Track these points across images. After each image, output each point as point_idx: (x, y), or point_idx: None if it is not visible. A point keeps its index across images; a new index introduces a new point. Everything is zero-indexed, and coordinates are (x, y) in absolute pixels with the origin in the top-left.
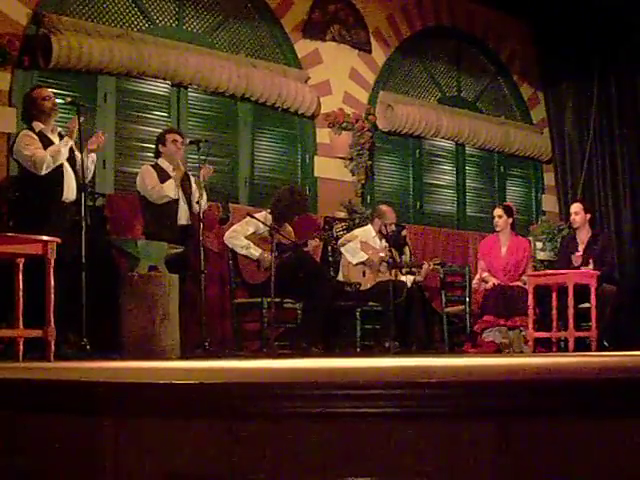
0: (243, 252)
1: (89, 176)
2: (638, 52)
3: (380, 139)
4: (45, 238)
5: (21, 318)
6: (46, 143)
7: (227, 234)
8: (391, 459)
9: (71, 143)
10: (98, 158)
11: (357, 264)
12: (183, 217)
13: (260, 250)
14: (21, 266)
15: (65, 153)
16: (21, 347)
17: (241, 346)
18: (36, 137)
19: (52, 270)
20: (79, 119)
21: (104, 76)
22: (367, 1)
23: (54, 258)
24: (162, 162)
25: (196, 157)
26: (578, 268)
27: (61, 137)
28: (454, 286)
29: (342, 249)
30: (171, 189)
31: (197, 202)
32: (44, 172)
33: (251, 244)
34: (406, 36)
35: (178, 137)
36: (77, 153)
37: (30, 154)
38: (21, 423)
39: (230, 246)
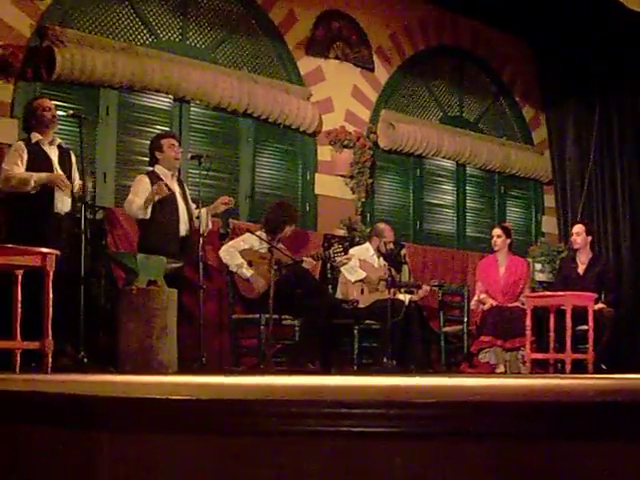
0: (235, 270)
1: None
2: (639, 73)
3: (381, 157)
4: (44, 250)
5: (19, 330)
6: (39, 156)
7: (222, 249)
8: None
9: (43, 182)
10: (99, 172)
11: (355, 282)
12: (183, 229)
13: (252, 271)
14: (20, 278)
15: (33, 187)
16: (18, 359)
17: (238, 362)
18: (25, 151)
19: (50, 282)
20: (85, 181)
21: (107, 89)
22: (370, 20)
23: (53, 270)
24: (159, 169)
25: (197, 172)
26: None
27: (60, 148)
28: (452, 306)
29: (342, 268)
30: (139, 208)
31: (197, 217)
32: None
33: (244, 264)
34: (409, 55)
35: (175, 141)
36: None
37: (6, 168)
38: (16, 435)
39: (224, 261)
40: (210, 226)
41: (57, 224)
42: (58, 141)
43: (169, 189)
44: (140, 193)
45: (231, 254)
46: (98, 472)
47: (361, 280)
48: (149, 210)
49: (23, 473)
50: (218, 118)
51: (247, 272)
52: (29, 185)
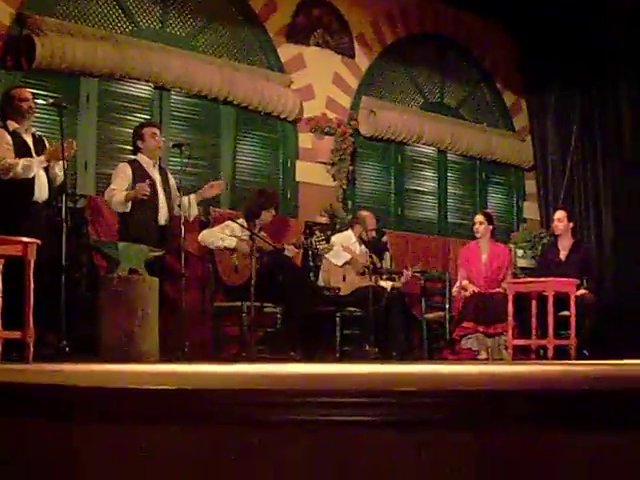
0: (219, 244)
1: (58, 182)
2: (620, 60)
3: (362, 144)
4: (25, 239)
5: (0, 319)
6: (19, 144)
7: (202, 233)
8: (371, 468)
9: (45, 164)
10: (79, 160)
11: (343, 265)
12: (162, 218)
13: (236, 240)
14: (0, 267)
15: (36, 171)
16: (0, 348)
17: (220, 350)
18: (9, 137)
19: (32, 271)
20: (63, 147)
21: (87, 78)
22: (351, 7)
23: (34, 259)
24: (141, 158)
25: (178, 160)
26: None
27: (34, 137)
28: (434, 292)
29: (326, 255)
30: (119, 202)
31: (178, 205)
32: (6, 178)
33: (225, 236)
34: (390, 42)
35: (157, 130)
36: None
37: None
38: None
39: (205, 244)
40: (196, 212)
41: (36, 213)
42: (33, 129)
43: (151, 179)
44: (121, 183)
45: (210, 232)
46: (79, 463)
47: (348, 262)
48: (129, 204)
49: (3, 465)
50: (198, 106)
51: (232, 242)
52: (33, 172)
